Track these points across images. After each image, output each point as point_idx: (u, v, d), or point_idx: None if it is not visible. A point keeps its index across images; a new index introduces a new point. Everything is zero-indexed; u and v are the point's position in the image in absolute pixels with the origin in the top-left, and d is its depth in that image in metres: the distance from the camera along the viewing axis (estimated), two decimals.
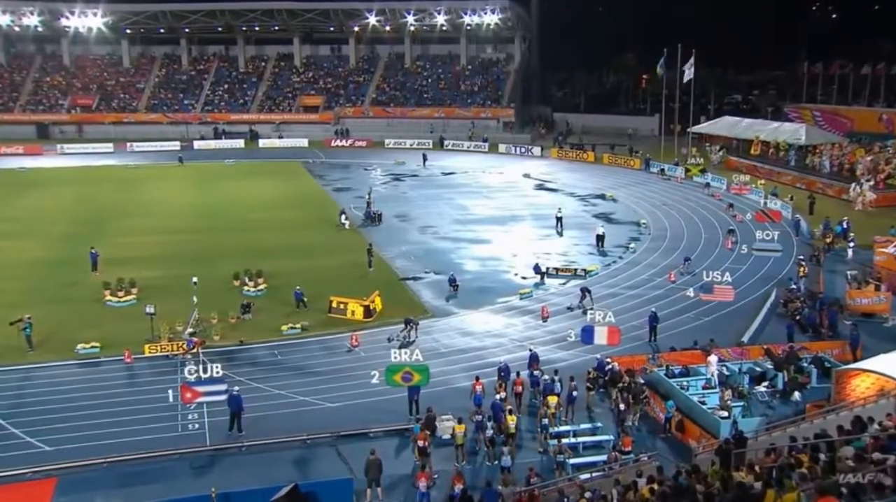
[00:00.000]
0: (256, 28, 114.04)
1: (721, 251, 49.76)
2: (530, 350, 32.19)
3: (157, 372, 32.43)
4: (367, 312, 38.21)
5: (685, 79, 79.51)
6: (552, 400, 27.75)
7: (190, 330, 35.89)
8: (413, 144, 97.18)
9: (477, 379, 29.29)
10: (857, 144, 74.44)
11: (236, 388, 28.36)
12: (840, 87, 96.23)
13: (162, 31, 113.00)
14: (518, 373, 30.30)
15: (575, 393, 28.59)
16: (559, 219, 56.07)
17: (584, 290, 40.20)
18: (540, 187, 73.63)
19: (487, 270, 46.90)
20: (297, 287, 39.98)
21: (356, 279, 43.94)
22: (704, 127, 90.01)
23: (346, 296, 39.16)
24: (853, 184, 61.76)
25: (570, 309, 39.51)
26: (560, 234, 55.05)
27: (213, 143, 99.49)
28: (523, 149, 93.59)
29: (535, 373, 30.25)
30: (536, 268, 44.81)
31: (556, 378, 29.24)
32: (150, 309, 35.47)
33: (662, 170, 78.88)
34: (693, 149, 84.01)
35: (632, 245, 51.63)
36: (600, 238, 51.25)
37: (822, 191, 65.64)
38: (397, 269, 46.67)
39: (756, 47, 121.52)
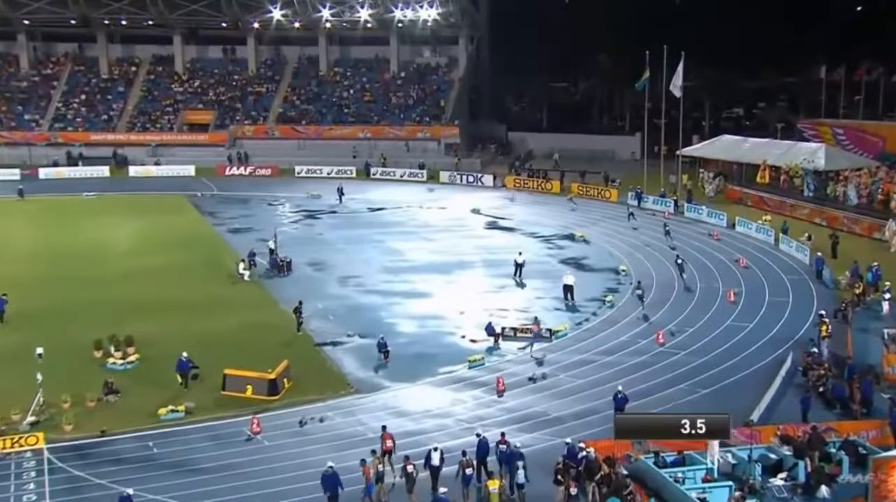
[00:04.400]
0: (123, 22, 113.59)
1: (721, 304, 50.64)
2: (478, 435, 31.92)
3: None
4: (273, 388, 37.92)
5: (672, 87, 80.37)
6: (492, 484, 27.68)
7: (31, 418, 35.05)
8: (331, 172, 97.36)
9: (364, 463, 29.63)
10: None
11: (130, 491, 27.88)
12: (868, 97, 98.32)
13: None
14: (384, 428, 32.12)
15: (469, 470, 29.31)
16: (519, 266, 56.59)
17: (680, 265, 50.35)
18: (493, 226, 74.33)
19: (427, 332, 47.00)
20: (184, 354, 39.41)
21: (259, 345, 43.59)
22: (698, 148, 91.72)
23: (244, 367, 38.81)
24: (890, 220, 63.20)
25: (532, 380, 39.75)
26: (520, 285, 55.58)
27: (66, 171, 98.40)
28: (471, 178, 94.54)
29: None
30: (489, 329, 45.00)
31: (517, 444, 29.97)
32: None
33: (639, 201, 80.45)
34: (684, 176, 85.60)
35: (609, 298, 52.16)
36: (569, 289, 51.78)
37: (847, 228, 67.15)
38: (312, 332, 46.47)
39: (762, 48, 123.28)
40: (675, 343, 44.40)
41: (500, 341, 44.65)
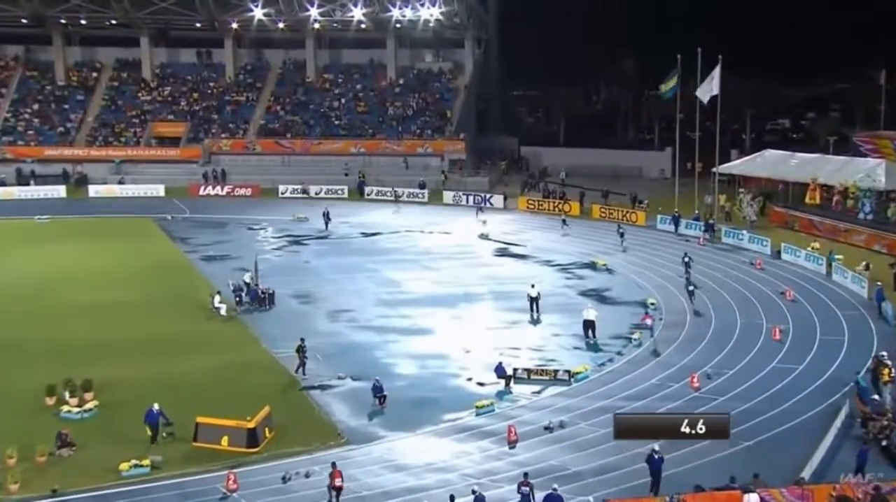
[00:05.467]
0: (83, 22, 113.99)
1: (765, 343, 50.52)
2: (473, 492, 31.98)
3: None
4: (252, 439, 37.81)
5: (703, 96, 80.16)
6: None
7: None
8: (319, 192, 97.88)
9: None
10: None
11: None
12: None
13: None
14: (334, 464, 33.45)
15: None
16: (533, 300, 56.56)
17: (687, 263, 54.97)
18: (503, 253, 74.52)
19: (428, 374, 47.00)
20: (155, 405, 38.97)
21: (237, 389, 43.56)
22: (738, 164, 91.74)
23: (219, 415, 38.71)
24: None
25: (548, 429, 39.56)
26: (534, 321, 55.59)
27: (15, 191, 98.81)
28: (479, 199, 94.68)
29: None
30: (500, 371, 44.90)
31: (555, 487, 30.52)
32: None
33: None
34: (721, 196, 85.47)
35: (636, 335, 52.12)
36: (590, 325, 51.73)
37: None
38: (297, 374, 46.35)
39: (811, 50, 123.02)
40: (711, 387, 44.17)
41: (512, 384, 44.52)
